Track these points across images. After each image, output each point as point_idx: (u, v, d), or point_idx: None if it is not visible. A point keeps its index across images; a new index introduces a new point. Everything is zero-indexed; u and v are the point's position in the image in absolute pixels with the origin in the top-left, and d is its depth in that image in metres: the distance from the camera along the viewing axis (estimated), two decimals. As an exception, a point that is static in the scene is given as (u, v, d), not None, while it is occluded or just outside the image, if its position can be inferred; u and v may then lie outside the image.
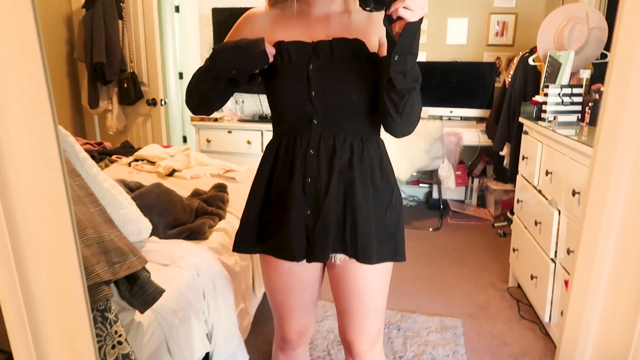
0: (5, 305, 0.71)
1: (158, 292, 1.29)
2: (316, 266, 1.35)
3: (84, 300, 0.76)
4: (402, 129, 1.21)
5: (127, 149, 2.85)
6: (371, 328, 1.35)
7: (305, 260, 1.27)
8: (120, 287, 1.25)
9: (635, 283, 1.06)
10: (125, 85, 3.89)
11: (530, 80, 3.31)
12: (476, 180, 4.35)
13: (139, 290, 1.25)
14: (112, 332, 1.05)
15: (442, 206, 4.21)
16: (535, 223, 2.44)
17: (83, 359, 0.78)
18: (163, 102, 3.93)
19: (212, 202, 2.08)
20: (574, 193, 2.00)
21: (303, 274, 1.34)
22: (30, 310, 0.73)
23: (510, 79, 3.53)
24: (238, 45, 1.19)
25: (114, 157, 2.67)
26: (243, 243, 1.32)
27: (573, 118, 2.54)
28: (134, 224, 1.64)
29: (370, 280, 1.29)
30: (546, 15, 3.13)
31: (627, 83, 1.00)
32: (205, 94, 1.25)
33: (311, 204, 1.21)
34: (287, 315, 1.42)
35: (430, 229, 3.86)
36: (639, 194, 1.05)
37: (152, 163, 2.54)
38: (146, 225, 1.70)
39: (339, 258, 1.27)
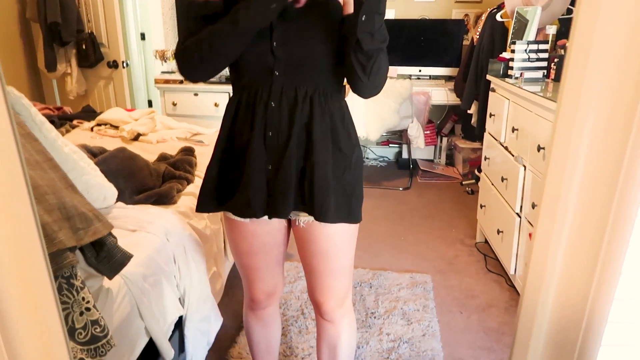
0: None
1: (126, 258, 1.26)
2: (280, 227, 1.34)
3: (46, 267, 0.73)
4: (369, 90, 1.20)
5: (89, 113, 2.75)
6: (338, 287, 1.37)
7: (267, 218, 1.26)
8: (87, 254, 1.21)
9: (595, 233, 1.10)
10: (84, 47, 3.73)
11: (497, 37, 3.31)
12: (445, 140, 4.40)
13: (106, 257, 1.23)
14: (79, 299, 1.03)
15: (411, 166, 4.25)
16: (502, 179, 2.48)
17: (48, 327, 0.76)
18: (125, 64, 3.79)
19: (179, 166, 2.03)
20: (539, 149, 2.04)
21: (266, 235, 1.34)
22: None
23: (478, 36, 3.53)
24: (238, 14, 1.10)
25: (75, 122, 2.57)
26: (205, 203, 1.30)
27: (539, 74, 2.57)
28: (98, 189, 1.59)
29: (334, 240, 1.30)
30: (514, -30, 3.11)
31: (590, 38, 1.01)
32: (225, 56, 1.16)
33: (272, 158, 1.19)
34: (253, 277, 1.43)
35: (400, 189, 3.90)
36: (600, 147, 1.07)
37: (116, 127, 2.46)
38: (111, 191, 1.65)
39: (303, 220, 1.27)
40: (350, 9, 1.12)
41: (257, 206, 1.22)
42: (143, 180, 1.82)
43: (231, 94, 1.28)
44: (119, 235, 1.52)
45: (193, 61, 1.17)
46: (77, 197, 1.25)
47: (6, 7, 3.69)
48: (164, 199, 1.79)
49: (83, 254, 1.22)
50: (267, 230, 1.33)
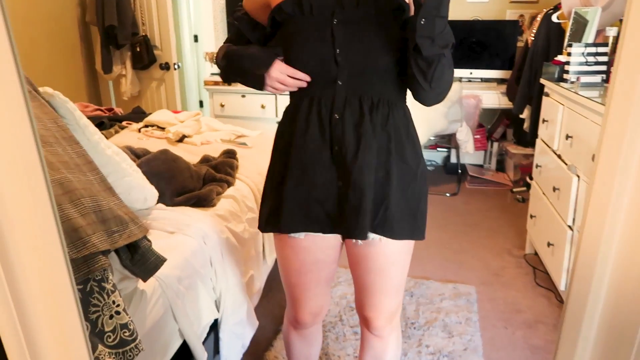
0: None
1: (160, 261, 1.28)
2: (335, 243, 1.29)
3: (67, 272, 0.74)
4: (431, 98, 1.13)
5: (138, 115, 2.83)
6: (390, 305, 1.32)
7: (321, 234, 1.22)
8: (122, 256, 1.24)
9: None
10: (138, 49, 3.85)
11: (553, 39, 3.16)
12: (496, 144, 4.24)
13: (140, 259, 1.24)
14: (109, 302, 1.04)
15: (459, 171, 4.12)
16: (554, 189, 2.36)
17: (70, 330, 0.77)
18: (176, 66, 3.88)
19: (220, 169, 2.05)
20: (594, 158, 1.92)
21: (320, 252, 1.29)
22: (13, 288, 0.72)
23: (532, 38, 3.38)
24: (243, 62, 1.18)
25: (124, 123, 2.65)
26: (264, 222, 1.27)
27: (597, 79, 2.42)
28: (139, 191, 1.62)
29: (392, 258, 1.25)
30: (573, -32, 2.95)
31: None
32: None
33: (341, 174, 1.14)
34: (302, 297, 1.37)
35: (447, 194, 3.80)
36: None
37: (162, 129, 2.52)
38: (152, 193, 1.68)
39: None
40: (412, 11, 1.05)
41: (323, 222, 1.18)
42: (184, 182, 1.85)
43: (277, 97, 1.27)
44: (157, 237, 1.55)
45: (219, 66, 1.25)
46: (114, 199, 1.27)
47: (68, 11, 3.87)
48: (204, 202, 1.80)
49: (118, 256, 1.24)
50: (322, 247, 1.28)
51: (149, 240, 1.29)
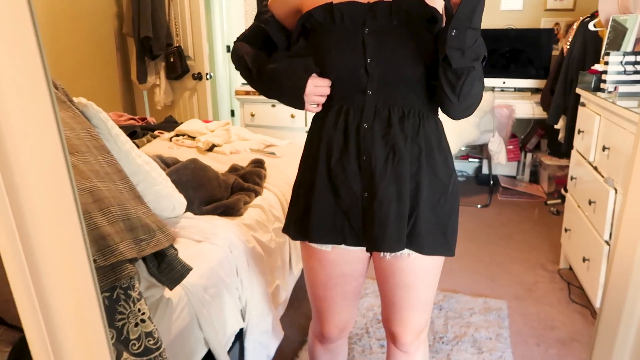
0: (14, 288, 0.72)
1: (185, 270, 1.29)
2: (363, 257, 1.27)
3: (92, 281, 0.75)
4: (459, 111, 1.10)
5: (170, 124, 2.89)
6: (419, 320, 1.29)
7: (348, 247, 1.20)
8: (149, 264, 1.25)
9: None
10: (172, 60, 3.93)
11: (590, 47, 3.09)
12: (529, 155, 4.15)
13: (167, 268, 1.26)
14: (135, 310, 1.06)
15: (491, 182, 4.04)
16: (590, 202, 2.28)
17: (95, 339, 0.78)
18: (208, 76, 3.94)
19: (248, 178, 2.06)
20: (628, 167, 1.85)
21: (347, 266, 1.26)
22: (40, 294, 0.73)
23: (568, 47, 3.30)
24: (279, 85, 1.17)
25: (156, 132, 2.71)
26: (292, 229, 1.26)
27: (637, 88, 2.34)
28: (168, 200, 1.64)
29: (422, 274, 1.22)
30: (611, -25, 2.87)
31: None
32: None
33: (367, 185, 1.12)
34: (328, 311, 1.35)
35: (479, 206, 3.73)
36: None
37: (193, 138, 2.56)
38: (181, 201, 1.70)
39: (390, 254, 1.19)
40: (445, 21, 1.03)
41: (349, 234, 1.16)
42: (212, 191, 1.86)
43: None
44: (184, 245, 1.57)
45: (235, 65, 1.28)
46: (142, 208, 1.29)
47: (106, 23, 3.99)
48: (231, 211, 1.82)
49: (145, 264, 1.26)
50: (349, 260, 1.26)
51: (176, 249, 1.30)
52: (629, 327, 1.06)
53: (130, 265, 1.09)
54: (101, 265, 1.03)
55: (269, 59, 1.21)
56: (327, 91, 1.13)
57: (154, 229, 1.25)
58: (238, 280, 1.65)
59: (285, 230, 1.30)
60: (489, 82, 4.07)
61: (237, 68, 1.28)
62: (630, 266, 1.02)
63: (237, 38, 1.32)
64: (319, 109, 1.16)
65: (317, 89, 1.12)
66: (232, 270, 1.62)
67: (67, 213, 0.73)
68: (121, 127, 2.58)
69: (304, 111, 3.81)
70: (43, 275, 0.73)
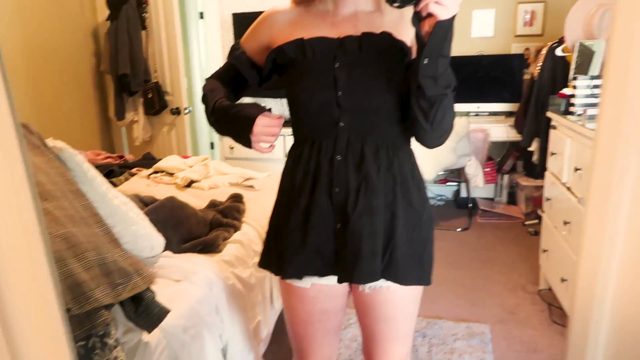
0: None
1: (163, 312, 1.28)
2: (343, 291, 1.28)
3: (65, 331, 0.74)
4: (433, 139, 1.12)
5: (148, 161, 2.88)
6: (400, 352, 1.30)
7: (328, 282, 1.20)
8: (126, 308, 1.24)
9: None
10: (150, 96, 3.95)
11: (558, 72, 3.19)
12: (506, 177, 4.22)
13: (144, 311, 1.25)
14: (112, 358, 1.05)
15: (470, 205, 4.10)
16: (565, 223, 2.33)
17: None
18: (187, 111, 3.97)
19: (227, 213, 2.07)
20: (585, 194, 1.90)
21: (328, 302, 1.26)
22: (12, 346, 0.72)
23: (538, 71, 3.40)
24: (230, 122, 1.19)
25: (134, 169, 2.70)
26: (273, 265, 1.26)
27: (603, 111, 2.42)
28: (146, 239, 1.64)
29: (402, 305, 1.23)
30: (576, 2, 2.99)
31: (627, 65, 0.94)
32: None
33: (340, 216, 1.13)
34: (309, 349, 1.34)
35: (459, 229, 3.77)
36: None
37: (171, 174, 2.56)
38: (159, 241, 1.70)
39: (369, 286, 1.19)
40: (415, 53, 1.05)
41: (324, 267, 1.16)
42: (190, 229, 1.86)
43: (285, 137, 1.27)
44: (163, 285, 1.56)
45: (202, 98, 1.28)
46: (118, 251, 1.29)
47: (83, 61, 4.01)
48: (210, 248, 1.81)
49: (122, 308, 1.25)
50: (329, 296, 1.26)
51: (153, 292, 1.29)
52: (596, 345, 1.08)
53: (107, 312, 1.08)
54: (76, 313, 1.02)
55: (224, 98, 1.23)
56: (277, 131, 1.14)
57: (130, 272, 1.25)
58: (218, 319, 1.64)
59: (265, 266, 1.30)
60: (464, 107, 4.16)
61: (203, 101, 1.30)
62: (593, 290, 1.05)
63: (210, 76, 1.34)
64: (270, 150, 1.17)
65: (266, 128, 1.12)
66: (212, 309, 1.61)
67: (38, 264, 0.73)
68: (98, 166, 2.59)
69: (283, 143, 3.86)
70: (14, 328, 0.72)
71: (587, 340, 1.10)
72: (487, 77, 4.12)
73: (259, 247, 2.01)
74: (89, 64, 4.08)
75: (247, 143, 1.15)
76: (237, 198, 2.21)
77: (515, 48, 4.25)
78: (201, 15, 5.54)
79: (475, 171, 3.74)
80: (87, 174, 1.50)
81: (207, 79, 1.34)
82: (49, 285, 0.74)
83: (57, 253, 1.08)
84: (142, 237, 1.63)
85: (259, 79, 1.27)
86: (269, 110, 1.17)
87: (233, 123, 1.17)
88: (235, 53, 1.27)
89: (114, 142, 4.34)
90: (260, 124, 1.12)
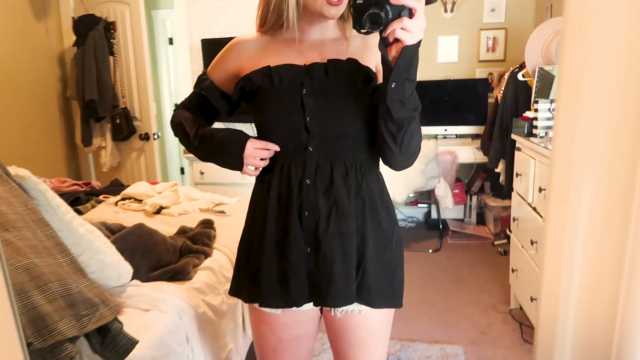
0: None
1: (131, 344, 1.24)
2: (313, 316, 1.26)
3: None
4: (401, 162, 1.14)
5: (116, 187, 2.83)
6: None
7: (298, 308, 1.18)
8: (92, 341, 1.20)
9: (611, 270, 1.03)
10: (118, 121, 3.89)
11: (521, 95, 3.29)
12: (474, 198, 4.30)
13: (111, 343, 1.21)
14: (76, 392, 1.01)
15: (441, 226, 4.15)
16: (532, 242, 2.38)
17: None
18: (156, 136, 3.93)
19: (197, 240, 2.04)
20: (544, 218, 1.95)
21: (298, 328, 1.25)
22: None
23: (502, 95, 3.51)
24: (218, 148, 1.20)
25: (101, 196, 2.65)
26: (244, 293, 1.24)
27: (564, 133, 2.50)
28: (113, 268, 1.60)
29: (374, 329, 1.22)
30: (536, 28, 3.12)
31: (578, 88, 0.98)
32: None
33: (310, 240, 1.13)
34: None
35: (430, 251, 3.80)
36: (603, 191, 1.02)
37: (140, 201, 2.51)
38: (127, 269, 1.66)
39: (340, 310, 1.19)
40: (381, 78, 1.07)
41: (297, 293, 1.14)
42: (160, 257, 1.83)
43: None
44: (131, 315, 1.52)
45: (173, 128, 1.30)
46: (84, 281, 1.25)
47: (49, 87, 3.94)
48: (180, 275, 1.78)
49: (88, 341, 1.21)
50: (300, 322, 1.24)
51: (120, 322, 1.26)
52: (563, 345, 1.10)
53: (71, 345, 1.04)
54: (39, 347, 0.99)
55: (207, 124, 1.24)
56: (267, 155, 1.15)
57: (96, 303, 1.21)
58: (189, 348, 1.60)
59: (236, 293, 1.28)
60: (431, 130, 4.25)
61: (175, 134, 1.30)
62: (556, 305, 1.07)
63: (177, 106, 1.34)
64: (257, 173, 1.18)
65: (257, 151, 1.14)
66: (182, 338, 1.57)
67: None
68: (64, 193, 2.53)
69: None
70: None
71: (553, 355, 1.11)
72: (454, 100, 4.23)
73: (230, 273, 1.98)
74: (55, 89, 4.01)
75: (238, 166, 1.17)
76: (207, 224, 2.19)
77: (479, 73, 4.38)
78: (170, 41, 5.55)
79: (444, 193, 3.80)
80: (51, 202, 1.46)
81: (176, 109, 1.33)
82: (8, 319, 0.71)
83: (18, 285, 1.04)
84: (108, 266, 1.59)
85: (228, 108, 1.28)
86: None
87: (221, 148, 1.19)
88: (204, 84, 1.27)
89: (81, 169, 4.25)
90: (251, 147, 1.14)
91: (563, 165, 1.10)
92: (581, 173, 1.06)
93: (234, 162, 1.17)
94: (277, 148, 1.14)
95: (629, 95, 1.01)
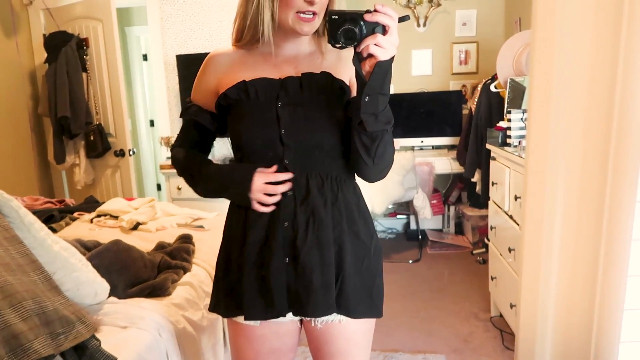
0: None
1: (109, 361, 1.21)
2: (293, 328, 1.25)
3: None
4: (374, 174, 1.15)
5: (91, 204, 2.77)
6: None
7: (277, 320, 1.17)
8: (68, 359, 1.17)
9: (586, 273, 1.04)
10: (92, 138, 3.83)
11: (494, 106, 3.35)
12: (452, 208, 4.34)
13: (88, 361, 1.18)
14: (52, 413, 0.97)
15: (420, 236, 4.18)
16: (509, 250, 2.41)
17: None
18: (131, 152, 3.87)
19: (176, 255, 2.01)
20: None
21: (277, 340, 1.23)
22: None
23: (475, 106, 3.57)
24: (224, 182, 1.18)
25: (76, 214, 2.59)
26: (222, 307, 1.22)
27: (537, 142, 2.55)
28: (89, 286, 1.56)
29: (354, 339, 1.21)
30: (506, 41, 3.19)
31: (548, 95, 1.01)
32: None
33: (289, 251, 1.12)
34: None
35: (410, 261, 3.81)
36: (576, 188, 1.04)
37: (116, 217, 2.47)
38: (103, 286, 1.62)
39: (320, 321, 1.18)
40: (355, 92, 1.09)
41: (279, 305, 1.13)
42: (137, 273, 1.79)
43: None
44: (108, 332, 1.48)
45: (177, 170, 1.27)
46: (59, 299, 1.22)
47: (20, 104, 3.86)
48: (158, 291, 1.75)
49: (64, 359, 1.17)
50: (279, 334, 1.23)
51: (98, 340, 1.23)
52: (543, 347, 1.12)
53: (46, 364, 1.01)
54: (12, 367, 0.95)
55: (208, 161, 1.24)
56: (277, 190, 1.12)
57: (73, 321, 1.18)
58: (169, 366, 1.56)
59: (214, 309, 1.26)
60: (408, 142, 4.29)
61: (179, 174, 1.28)
62: (535, 310, 1.09)
63: (173, 145, 1.32)
64: (269, 209, 1.13)
65: (265, 187, 1.11)
66: (161, 355, 1.54)
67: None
68: (37, 211, 2.47)
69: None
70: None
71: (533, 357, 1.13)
72: (429, 112, 4.29)
73: (210, 287, 1.95)
74: (26, 106, 3.94)
75: (246, 199, 1.14)
76: (186, 239, 2.16)
77: (453, 85, 4.46)
78: (145, 57, 5.52)
79: (422, 203, 3.83)
80: (24, 219, 1.42)
81: (173, 150, 1.31)
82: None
83: (-9, 303, 1.01)
84: (84, 283, 1.55)
85: (218, 126, 1.28)
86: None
87: (226, 188, 1.17)
88: (191, 110, 1.27)
89: (54, 187, 4.17)
90: (259, 182, 1.12)
91: (536, 174, 1.12)
92: (554, 181, 1.08)
93: (242, 201, 1.15)
94: (287, 176, 1.12)
95: (595, 103, 1.04)
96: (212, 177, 1.20)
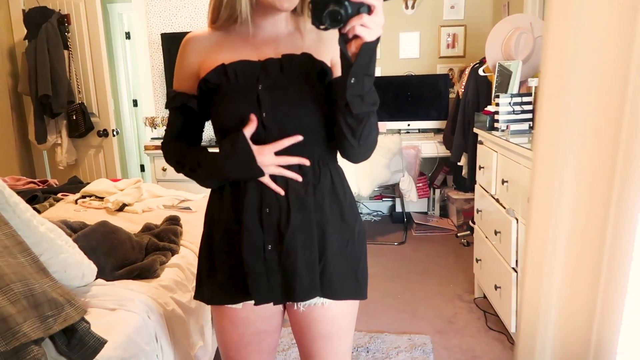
0: None
1: (99, 344, 1.20)
2: (276, 311, 1.25)
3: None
4: (360, 154, 1.14)
5: (75, 185, 2.73)
6: None
7: (270, 304, 1.16)
8: (57, 342, 1.15)
9: (589, 274, 1.05)
10: (74, 117, 3.76)
11: (482, 90, 3.36)
12: (437, 191, 4.38)
13: (78, 344, 1.16)
14: (43, 396, 0.96)
15: (405, 219, 4.21)
16: (495, 232, 2.44)
17: None
18: (115, 133, 3.81)
19: (164, 237, 1.99)
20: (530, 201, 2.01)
21: (261, 322, 1.23)
22: None
23: (463, 90, 3.58)
24: (225, 163, 1.11)
25: (60, 195, 2.55)
26: (206, 294, 1.21)
27: (525, 126, 2.57)
28: (76, 268, 1.54)
29: (338, 322, 1.21)
30: (494, 25, 3.19)
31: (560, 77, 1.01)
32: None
33: (272, 237, 1.11)
34: None
35: (396, 243, 3.84)
36: (584, 190, 1.05)
37: (101, 199, 2.43)
38: (91, 268, 1.60)
39: (303, 304, 1.18)
40: (339, 71, 1.06)
41: (258, 291, 1.12)
42: (125, 255, 1.77)
43: None
44: (97, 315, 1.47)
45: (173, 167, 1.22)
46: (47, 281, 1.20)
47: (-1, 82, 3.76)
48: (146, 273, 1.73)
49: (53, 342, 1.16)
50: (262, 316, 1.22)
51: (87, 322, 1.21)
52: (544, 352, 1.13)
53: (36, 347, 1.00)
54: (2, 350, 0.94)
55: (205, 148, 1.19)
56: (285, 160, 1.10)
57: (62, 303, 1.17)
58: (158, 347, 1.56)
59: (199, 296, 1.25)
60: (395, 125, 4.29)
61: (178, 171, 1.23)
62: (539, 295, 1.10)
63: (163, 141, 1.27)
64: (294, 175, 1.11)
65: (273, 159, 1.09)
66: (151, 337, 1.53)
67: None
68: (19, 192, 2.42)
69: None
70: None
71: (534, 354, 1.14)
72: (416, 96, 4.29)
73: (198, 270, 1.95)
74: (5, 84, 3.84)
75: (259, 173, 1.09)
76: (173, 220, 2.14)
77: (440, 68, 4.46)
78: (127, 36, 5.40)
79: (408, 186, 3.85)
80: (9, 200, 1.39)
81: (165, 147, 1.26)
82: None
83: (-22, 286, 0.99)
84: (71, 265, 1.53)
85: (204, 110, 1.24)
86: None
87: (230, 165, 1.11)
88: (178, 98, 1.22)
89: (35, 167, 4.09)
90: (261, 152, 1.08)
91: (545, 170, 1.11)
92: (561, 181, 1.07)
93: (251, 171, 1.09)
94: (298, 138, 1.09)
95: (607, 98, 1.03)
96: (212, 162, 1.14)
